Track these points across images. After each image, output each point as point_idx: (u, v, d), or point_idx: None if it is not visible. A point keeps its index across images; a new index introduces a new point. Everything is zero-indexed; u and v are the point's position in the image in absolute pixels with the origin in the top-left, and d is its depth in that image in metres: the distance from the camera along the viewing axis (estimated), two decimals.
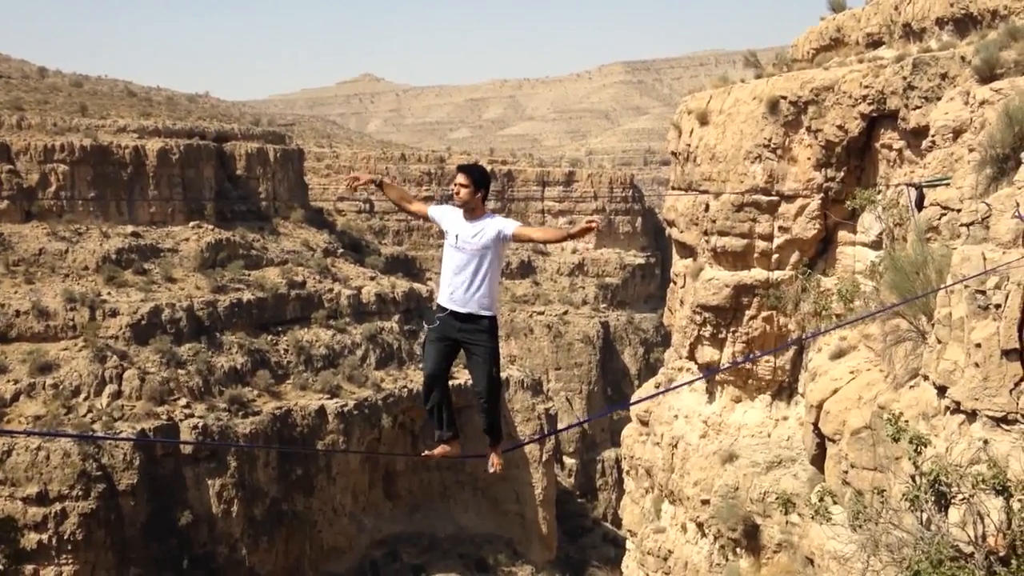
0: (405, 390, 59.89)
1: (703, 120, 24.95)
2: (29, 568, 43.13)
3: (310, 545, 55.05)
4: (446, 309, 7.26)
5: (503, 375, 67.41)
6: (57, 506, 44.91)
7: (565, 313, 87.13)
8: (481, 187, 7.26)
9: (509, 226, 7.15)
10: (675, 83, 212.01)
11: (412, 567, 59.02)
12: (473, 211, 7.22)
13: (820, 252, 22.52)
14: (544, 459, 65.52)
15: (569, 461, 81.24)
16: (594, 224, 6.62)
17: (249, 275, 61.09)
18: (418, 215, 7.85)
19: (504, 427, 7.82)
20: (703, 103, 25.34)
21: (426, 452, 7.90)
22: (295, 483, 54.10)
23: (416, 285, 71.85)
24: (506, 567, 62.20)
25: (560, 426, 79.00)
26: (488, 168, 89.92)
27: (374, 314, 64.33)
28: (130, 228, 60.63)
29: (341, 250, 71.44)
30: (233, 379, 54.47)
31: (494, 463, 7.89)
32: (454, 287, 7.19)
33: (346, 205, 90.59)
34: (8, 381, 48.93)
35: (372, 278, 68.49)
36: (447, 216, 7.39)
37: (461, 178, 7.25)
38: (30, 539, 43.48)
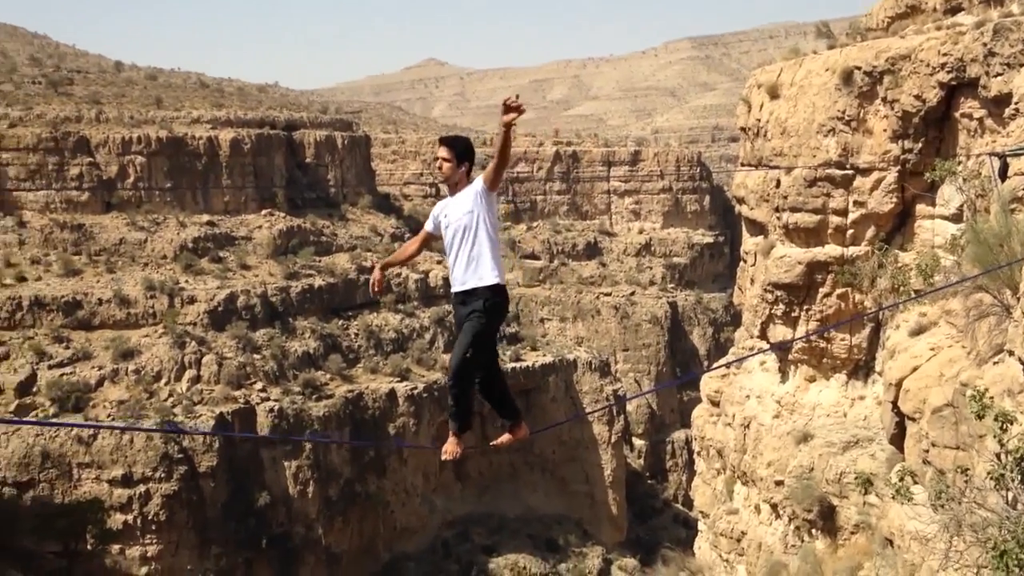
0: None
1: (773, 94, 24.44)
2: (115, 548, 44.66)
3: (383, 525, 55.98)
4: (454, 293, 6.87)
5: (571, 356, 67.57)
6: (141, 488, 46.42)
7: (632, 294, 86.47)
8: (464, 160, 6.85)
9: (478, 181, 6.74)
10: (743, 57, 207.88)
11: (483, 547, 59.60)
12: (457, 186, 6.84)
13: (897, 226, 21.91)
14: (613, 440, 65.40)
15: (638, 442, 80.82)
16: (511, 101, 6.09)
17: (320, 261, 62.13)
18: (428, 240, 7.32)
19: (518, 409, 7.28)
20: (773, 76, 24.82)
21: (493, 443, 7.53)
22: (368, 464, 55.02)
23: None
24: (576, 548, 62.37)
25: (630, 407, 78.70)
26: (554, 147, 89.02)
27: (441, 297, 64.82)
28: (205, 217, 62.13)
29: (408, 235, 72.02)
30: (306, 363, 55.53)
31: (446, 451, 7.03)
32: (453, 267, 6.83)
33: (412, 190, 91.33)
34: (93, 367, 50.68)
35: (439, 262, 68.93)
36: (438, 211, 7.02)
37: (443, 151, 6.85)
38: (116, 520, 45.02)
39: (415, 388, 56.71)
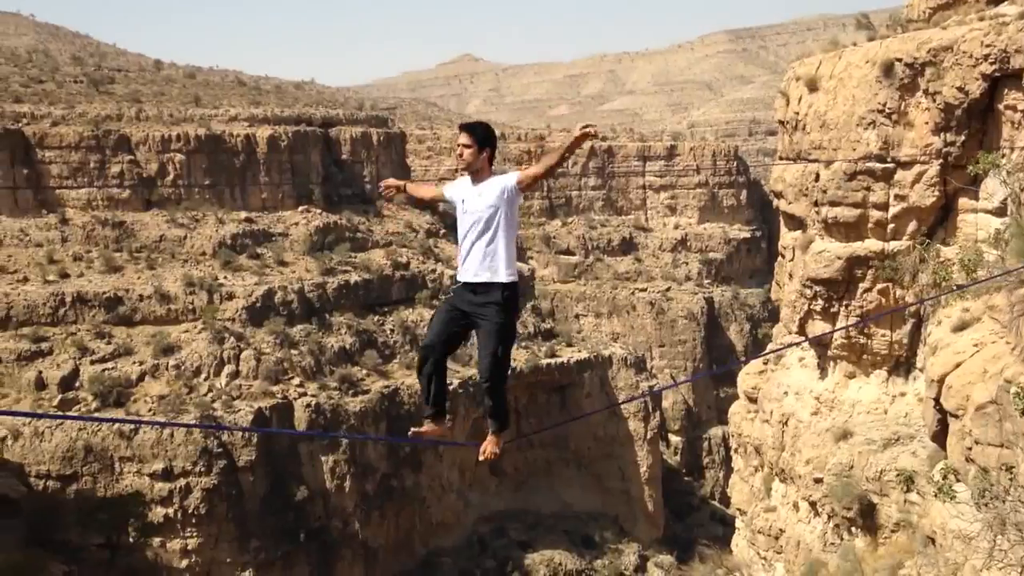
0: (509, 368, 60.29)
1: (812, 87, 24.13)
2: (156, 540, 45.34)
3: (419, 520, 56.26)
4: (460, 282, 6.83)
5: (606, 352, 67.39)
6: (181, 481, 47.05)
7: (668, 289, 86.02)
8: (486, 146, 6.75)
9: (511, 178, 6.67)
10: (781, 50, 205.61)
11: (519, 543, 59.67)
12: (479, 173, 6.75)
13: (939, 220, 21.55)
14: (649, 437, 65.13)
15: (675, 439, 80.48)
16: (590, 130, 6.14)
17: (355, 257, 62.51)
18: (435, 199, 7.44)
19: (508, 419, 7.17)
20: (812, 69, 24.51)
21: (413, 430, 7.42)
22: (404, 459, 55.30)
23: (517, 264, 72.09)
24: (612, 544, 62.23)
25: (666, 403, 78.33)
26: (596, 136, 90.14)
27: None
28: (243, 214, 62.79)
29: (443, 231, 72.27)
30: (343, 359, 55.92)
31: (486, 451, 7.07)
32: (466, 256, 6.74)
33: None
34: (134, 363, 51.47)
35: None
36: (457, 187, 6.96)
37: (463, 138, 6.76)
38: (157, 513, 45.68)
39: (450, 384, 56.88)
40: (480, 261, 6.67)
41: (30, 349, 50.86)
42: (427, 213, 74.73)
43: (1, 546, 20.24)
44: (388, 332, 59.69)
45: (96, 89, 73.73)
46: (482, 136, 6.75)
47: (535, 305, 70.03)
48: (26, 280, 54.52)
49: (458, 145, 6.80)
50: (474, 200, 6.70)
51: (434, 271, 64.32)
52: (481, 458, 7.16)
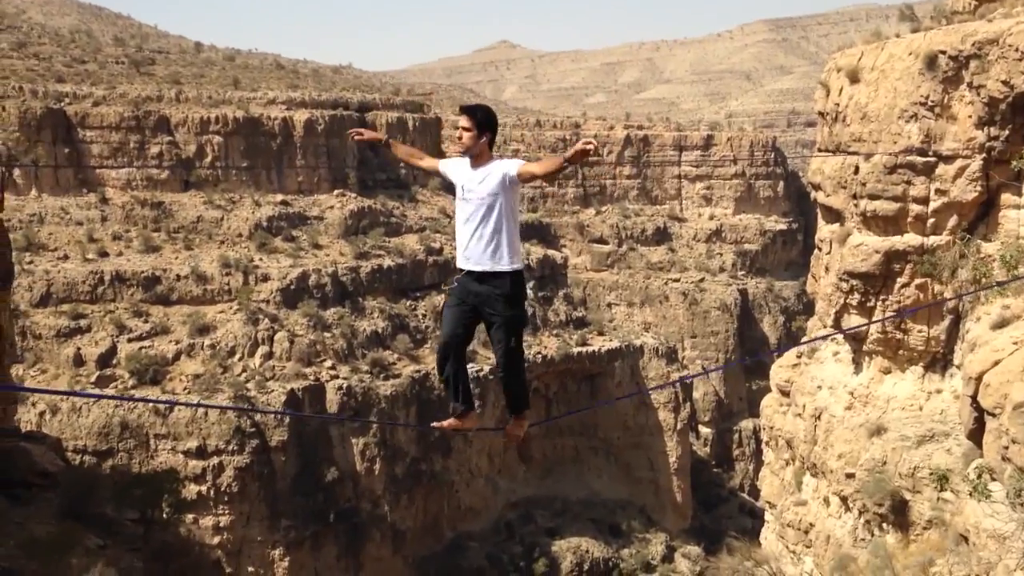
0: (539, 356, 60.42)
1: (854, 78, 23.80)
2: (189, 517, 46.06)
3: (447, 504, 56.61)
4: (463, 270, 6.75)
5: (638, 342, 67.19)
6: (215, 460, 47.76)
7: (701, 280, 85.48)
8: (486, 130, 6.63)
9: (513, 166, 6.54)
10: (822, 40, 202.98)
11: (546, 530, 59.84)
12: (478, 157, 6.64)
13: (981, 216, 21.20)
14: (679, 427, 64.92)
15: (704, 430, 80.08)
16: (590, 146, 5.93)
17: (389, 242, 62.80)
18: (429, 171, 7.32)
19: (528, 400, 7.18)
20: (854, 60, 24.16)
21: (435, 423, 7.45)
22: (433, 444, 55.60)
23: (550, 252, 72.08)
24: (639, 534, 62.19)
25: (697, 394, 78.00)
26: (624, 131, 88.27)
27: None
28: (279, 196, 63.27)
29: None
30: (375, 342, 56.28)
31: (509, 434, 7.20)
32: (467, 243, 6.64)
33: None
34: (171, 342, 52.21)
35: None
36: (456, 168, 6.85)
37: (464, 121, 6.66)
38: (190, 490, 46.39)
39: (480, 370, 56.93)
40: (483, 250, 6.58)
41: (69, 326, 51.80)
42: None
43: (39, 519, 20.66)
44: (420, 317, 59.95)
45: (137, 70, 74.60)
46: (482, 119, 6.64)
47: (567, 293, 69.93)
48: (66, 258, 55.46)
49: (458, 128, 6.71)
50: (475, 186, 6.60)
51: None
52: (506, 441, 7.33)
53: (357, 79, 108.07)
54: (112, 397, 10.87)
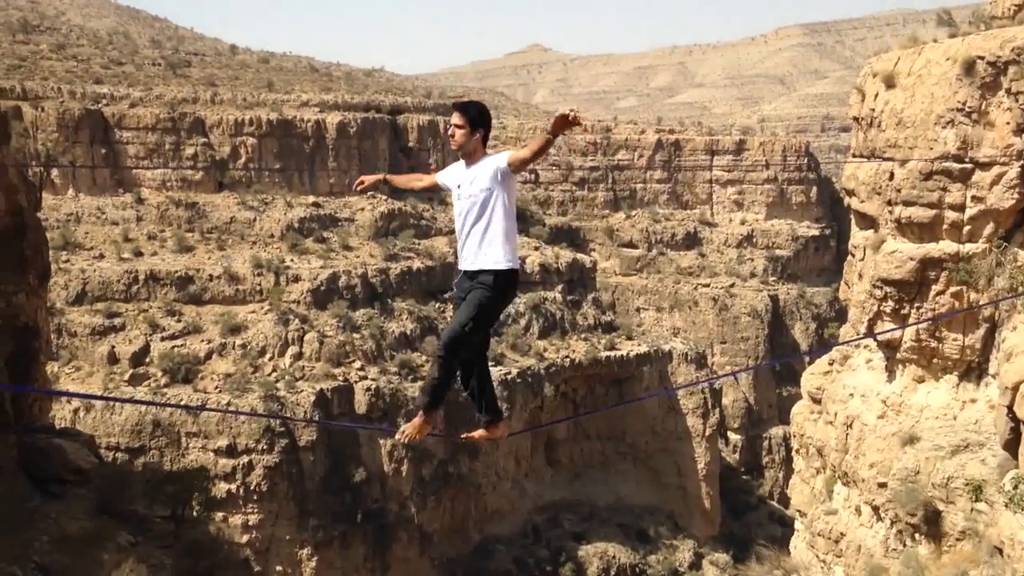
0: (568, 360, 60.33)
1: (890, 83, 23.54)
2: (219, 515, 46.46)
3: (474, 507, 56.63)
4: (461, 271, 6.55)
5: (667, 347, 66.86)
6: (244, 458, 48.16)
7: (732, 286, 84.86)
8: (479, 127, 6.44)
9: (503, 158, 6.32)
10: (858, 45, 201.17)
11: (573, 534, 59.67)
12: (472, 155, 6.47)
13: (1018, 223, 20.90)
14: (707, 433, 64.47)
15: (734, 437, 79.44)
16: (571, 114, 5.70)
17: (419, 244, 63.03)
18: (431, 189, 7.16)
19: (440, 400, 6.97)
20: (890, 65, 23.91)
21: (464, 435, 7.28)
22: (460, 446, 55.63)
23: (580, 256, 71.95)
24: (667, 540, 61.82)
25: (726, 400, 77.41)
26: (655, 135, 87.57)
27: (538, 284, 64.92)
28: (311, 198, 63.76)
29: None
30: (403, 344, 56.48)
31: (404, 432, 6.96)
32: (463, 243, 6.47)
33: None
34: (203, 341, 52.75)
35: (536, 248, 69.09)
36: (451, 173, 6.71)
37: (455, 117, 6.47)
38: (220, 488, 46.78)
39: (508, 373, 57.05)
40: (477, 247, 6.37)
41: (103, 324, 52.51)
42: None
43: (72, 514, 20.96)
44: (448, 319, 59.95)
45: (173, 72, 75.53)
46: (475, 116, 6.45)
47: (596, 297, 69.78)
48: (102, 257, 56.24)
49: (451, 126, 6.52)
50: (467, 185, 6.43)
51: None
52: (399, 437, 6.99)
53: (389, 82, 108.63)
54: (115, 399, 11.00)
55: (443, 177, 6.83)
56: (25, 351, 25.70)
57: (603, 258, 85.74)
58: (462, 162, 6.57)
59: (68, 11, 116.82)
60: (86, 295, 53.81)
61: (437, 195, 70.70)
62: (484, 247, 6.34)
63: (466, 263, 6.46)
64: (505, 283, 6.39)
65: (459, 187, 6.49)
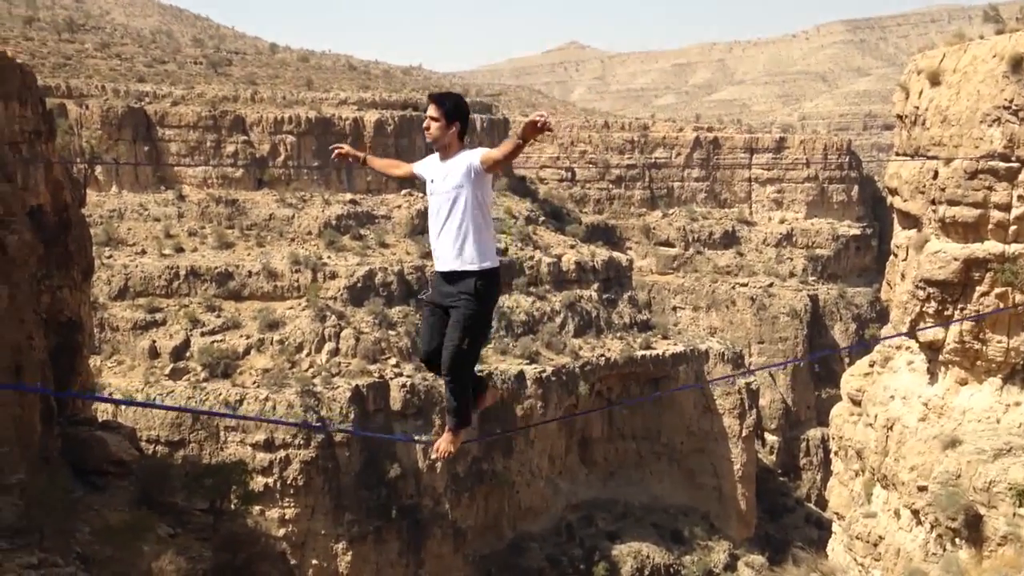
0: (603, 358, 60.13)
1: (934, 80, 23.14)
2: (256, 509, 46.95)
3: (508, 504, 56.67)
4: (435, 272, 6.35)
5: (703, 346, 66.35)
6: (281, 453, 48.66)
7: (770, 285, 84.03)
8: (455, 120, 6.22)
9: (477, 155, 6.08)
10: (901, 42, 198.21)
11: (606, 533, 59.49)
12: (447, 149, 6.26)
13: None
14: (744, 434, 63.93)
15: (771, 438, 78.73)
16: (540, 119, 5.40)
17: None
18: (407, 177, 6.94)
19: (470, 417, 6.73)
20: (935, 62, 23.49)
21: (435, 449, 6.86)
22: (495, 444, 55.77)
23: (616, 254, 71.69)
24: (702, 541, 61.41)
25: (763, 401, 76.66)
26: (694, 133, 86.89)
27: (573, 282, 64.81)
28: (348, 196, 64.20)
29: (542, 218, 72.35)
30: None
31: (439, 448, 6.61)
32: (436, 241, 6.25)
33: (548, 173, 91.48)
34: (241, 336, 53.37)
35: (572, 246, 68.98)
36: (426, 166, 6.48)
37: (431, 110, 6.25)
38: (258, 482, 47.30)
39: (543, 371, 57.01)
40: (450, 247, 6.17)
41: (145, 319, 53.33)
42: (527, 200, 74.89)
43: (114, 506, 21.30)
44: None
45: (214, 70, 76.47)
46: (451, 109, 6.22)
47: (632, 296, 69.46)
48: (144, 253, 57.11)
49: (426, 118, 6.32)
50: (440, 181, 6.23)
51: (532, 258, 64.47)
52: (434, 455, 6.74)
53: (427, 80, 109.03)
54: (133, 402, 11.15)
55: (419, 168, 6.60)
56: (69, 345, 26.18)
57: (639, 256, 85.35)
58: (436, 155, 6.39)
59: (113, 10, 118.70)
60: (128, 290, 54.67)
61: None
62: (458, 246, 6.15)
63: (441, 263, 6.27)
64: (486, 284, 6.19)
65: (432, 182, 6.31)
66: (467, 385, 6.54)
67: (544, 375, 56.88)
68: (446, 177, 6.19)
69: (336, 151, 7.04)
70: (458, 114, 6.26)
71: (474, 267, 6.14)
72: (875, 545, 24.49)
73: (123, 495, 22.38)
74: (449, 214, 6.16)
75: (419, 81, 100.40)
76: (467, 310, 6.15)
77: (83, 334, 28.03)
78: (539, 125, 5.43)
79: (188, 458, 45.61)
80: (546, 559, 56.41)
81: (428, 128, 6.28)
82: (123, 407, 48.42)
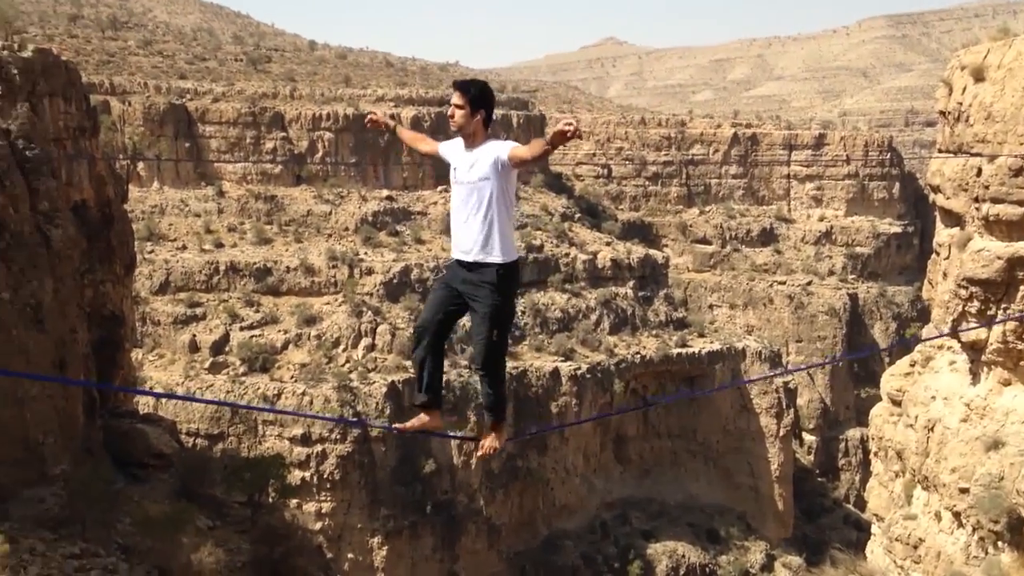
0: (638, 356, 59.88)
1: (978, 76, 22.72)
2: (293, 502, 47.44)
3: (543, 501, 56.68)
4: (453, 259, 6.37)
5: (740, 345, 65.77)
6: (318, 447, 49.11)
7: (809, 283, 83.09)
8: (480, 108, 6.17)
9: (505, 149, 6.05)
10: (945, 37, 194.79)
11: (641, 532, 59.28)
12: (472, 137, 6.21)
13: None
14: (781, 434, 63.30)
15: (809, 438, 77.90)
16: (569, 127, 5.38)
17: None
18: (431, 155, 6.85)
19: (505, 408, 6.72)
20: (979, 57, 23.06)
21: (397, 426, 6.84)
22: (529, 441, 55.81)
23: (652, 251, 71.30)
24: (738, 541, 60.96)
25: (801, 401, 75.89)
26: (732, 129, 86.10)
27: (609, 279, 64.59)
28: (385, 192, 64.57)
29: (578, 215, 72.17)
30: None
31: (484, 445, 6.65)
32: (459, 231, 6.27)
33: (584, 170, 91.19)
34: (279, 331, 53.92)
35: (608, 243, 68.74)
36: (452, 150, 6.43)
37: (455, 97, 6.21)
38: (295, 476, 47.79)
39: (578, 368, 56.91)
40: (474, 238, 6.17)
41: (185, 313, 54.08)
42: (563, 197, 74.71)
43: (154, 498, 21.64)
44: (519, 314, 60.15)
45: (254, 68, 77.26)
46: (476, 96, 6.19)
47: (668, 293, 69.06)
48: (184, 248, 57.90)
49: (450, 106, 6.28)
50: (466, 170, 6.21)
51: (567, 255, 64.35)
52: (479, 454, 6.79)
53: (463, 76, 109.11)
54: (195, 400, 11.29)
55: (444, 150, 6.57)
56: (111, 338, 26.63)
57: (676, 254, 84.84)
58: (462, 141, 6.34)
59: (155, 8, 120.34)
60: (169, 285, 55.46)
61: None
62: (483, 239, 6.18)
63: (463, 253, 6.28)
64: (507, 275, 6.23)
65: (456, 170, 6.31)
66: (502, 379, 6.52)
67: (579, 372, 56.80)
68: (472, 167, 6.19)
69: (370, 118, 7.05)
70: (483, 102, 6.23)
71: (498, 260, 6.17)
72: (915, 547, 24.15)
73: (163, 487, 22.73)
74: (475, 206, 6.18)
75: (456, 77, 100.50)
76: (491, 302, 6.18)
77: (125, 328, 28.49)
78: (568, 135, 5.42)
79: (227, 451, 46.22)
80: (580, 557, 56.35)
81: (453, 116, 6.25)
82: (164, 400, 49.22)
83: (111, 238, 27.04)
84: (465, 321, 6.58)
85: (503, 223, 6.20)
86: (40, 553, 16.24)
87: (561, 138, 5.47)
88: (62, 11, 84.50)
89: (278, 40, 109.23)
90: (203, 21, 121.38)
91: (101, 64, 68.32)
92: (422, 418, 6.68)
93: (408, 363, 52.95)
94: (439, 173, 66.62)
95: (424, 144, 6.98)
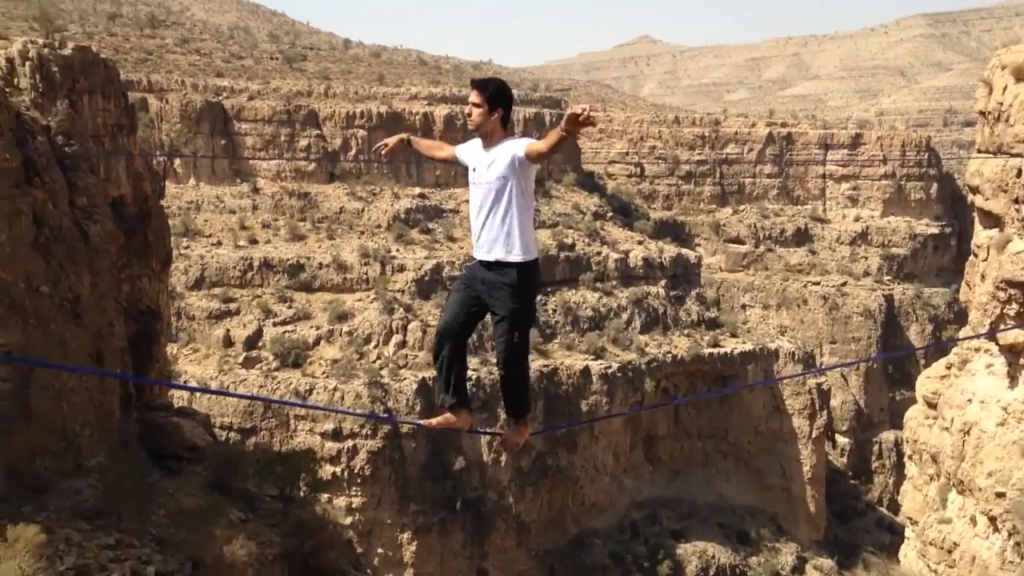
0: (669, 355, 59.59)
1: (1019, 76, 22.37)
2: (324, 497, 47.75)
3: (572, 499, 56.62)
4: (475, 259, 6.36)
5: (773, 345, 65.21)
6: (349, 443, 49.44)
7: (844, 284, 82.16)
8: (498, 106, 6.12)
9: (522, 146, 5.99)
10: (985, 36, 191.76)
11: (671, 532, 59.02)
12: (490, 136, 6.16)
13: None
14: (814, 436, 62.70)
15: (842, 440, 77.04)
16: (580, 112, 5.30)
17: None
18: (448, 161, 6.81)
19: (529, 404, 6.77)
20: (1020, 57, 22.71)
21: (422, 421, 6.92)
22: (559, 439, 55.74)
23: (684, 251, 70.92)
24: (769, 542, 60.49)
25: (835, 402, 75.05)
26: (767, 128, 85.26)
27: (640, 278, 64.35)
28: (417, 190, 64.83)
29: (610, 214, 71.95)
30: None
31: (508, 442, 6.82)
32: (479, 231, 6.23)
33: (617, 169, 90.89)
34: (311, 327, 54.37)
35: (640, 242, 68.48)
36: (469, 151, 6.40)
37: (473, 96, 6.15)
38: (326, 471, 48.13)
39: (609, 367, 56.77)
40: (494, 238, 6.15)
41: (220, 308, 54.71)
42: (595, 195, 74.52)
43: (188, 490, 21.91)
44: (550, 312, 60.14)
45: (289, 66, 77.90)
46: (493, 94, 6.14)
47: (700, 293, 68.66)
48: (219, 244, 58.55)
49: (468, 105, 6.23)
50: (484, 170, 6.18)
51: (599, 253, 64.19)
52: (501, 448, 6.92)
53: (496, 74, 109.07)
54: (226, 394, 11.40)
55: (461, 152, 6.56)
56: (147, 333, 27.00)
57: (708, 253, 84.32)
58: (480, 141, 6.32)
59: (192, 7, 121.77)
60: (204, 280, 56.14)
61: (541, 188, 70.94)
62: (503, 238, 6.17)
63: (483, 252, 6.28)
64: (527, 275, 6.23)
65: (475, 170, 6.29)
66: (523, 376, 6.59)
67: (610, 371, 56.66)
68: (490, 166, 6.16)
69: (381, 151, 6.85)
70: (501, 100, 6.18)
71: (519, 259, 6.15)
72: (949, 552, 23.84)
73: (197, 480, 23.00)
74: (493, 205, 6.15)
75: (489, 76, 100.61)
76: (511, 305, 6.21)
77: (161, 322, 28.87)
78: (581, 118, 5.36)
79: (259, 445, 46.69)
80: (609, 556, 56.21)
81: (471, 115, 6.22)
82: (198, 394, 49.83)
83: (148, 233, 27.41)
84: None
85: (523, 221, 6.17)
86: (76, 543, 16.51)
87: (574, 122, 5.41)
88: (101, 9, 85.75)
89: (313, 38, 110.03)
90: (240, 20, 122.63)
91: (139, 62, 69.24)
92: (448, 417, 6.74)
93: None
94: None
95: (440, 151, 6.93)
